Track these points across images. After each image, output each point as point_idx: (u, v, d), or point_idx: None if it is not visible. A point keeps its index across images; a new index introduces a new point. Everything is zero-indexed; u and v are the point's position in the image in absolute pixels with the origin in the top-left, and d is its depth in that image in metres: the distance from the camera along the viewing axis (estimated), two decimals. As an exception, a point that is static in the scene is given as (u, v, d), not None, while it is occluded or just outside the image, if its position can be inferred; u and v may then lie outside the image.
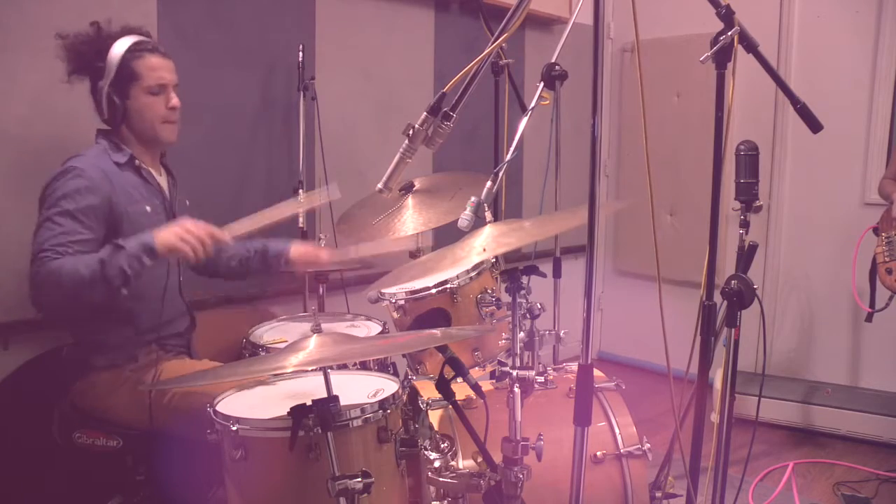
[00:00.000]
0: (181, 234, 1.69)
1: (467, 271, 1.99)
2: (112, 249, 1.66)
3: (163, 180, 2.02)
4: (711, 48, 1.55)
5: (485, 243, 1.43)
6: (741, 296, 1.71)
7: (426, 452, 1.58)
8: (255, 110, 2.79)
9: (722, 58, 1.55)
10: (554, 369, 2.01)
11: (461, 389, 1.51)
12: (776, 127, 3.68)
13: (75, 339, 1.93)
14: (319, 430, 1.33)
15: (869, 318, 2.95)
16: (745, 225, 1.94)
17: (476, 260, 1.67)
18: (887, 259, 2.79)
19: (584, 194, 1.16)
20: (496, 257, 2.07)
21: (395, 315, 2.09)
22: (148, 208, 1.90)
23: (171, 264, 1.98)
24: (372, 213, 2.30)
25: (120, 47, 1.83)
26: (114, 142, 1.90)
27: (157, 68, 1.87)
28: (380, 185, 1.46)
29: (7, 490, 2.00)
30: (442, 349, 1.44)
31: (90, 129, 1.94)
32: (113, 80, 1.83)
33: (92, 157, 1.83)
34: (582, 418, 1.19)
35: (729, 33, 1.53)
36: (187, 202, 2.15)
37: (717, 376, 2.89)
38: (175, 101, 1.91)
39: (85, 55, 1.84)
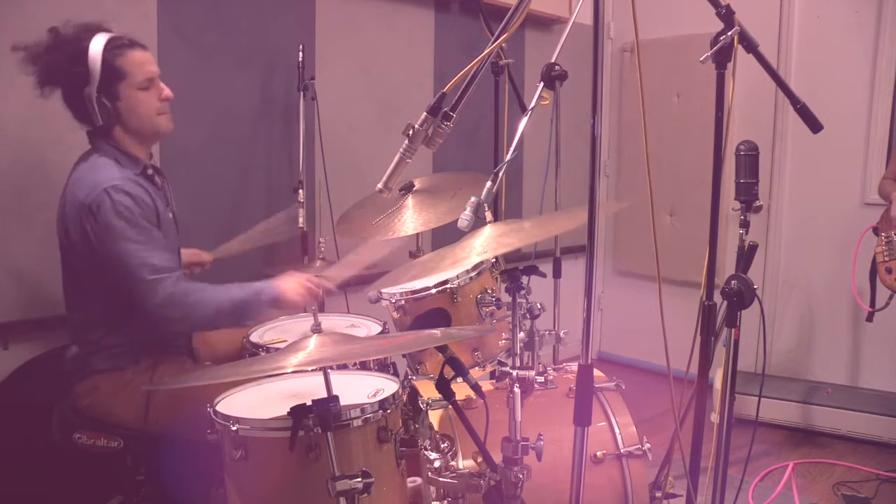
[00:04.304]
0: (304, 292, 1.84)
1: (467, 271, 1.98)
2: (252, 293, 1.79)
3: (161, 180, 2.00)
4: (711, 48, 1.55)
5: (485, 244, 1.43)
6: (741, 296, 1.71)
7: (426, 452, 1.58)
8: (255, 110, 2.79)
9: (722, 58, 1.55)
10: (554, 369, 2.01)
11: (461, 389, 1.51)
12: (776, 127, 3.67)
13: (76, 341, 1.92)
14: (319, 430, 1.33)
15: (869, 317, 2.95)
16: (745, 225, 1.93)
17: (476, 260, 1.68)
18: (887, 258, 2.79)
19: (584, 194, 1.16)
20: (496, 257, 2.07)
21: (395, 315, 2.09)
22: (170, 214, 1.92)
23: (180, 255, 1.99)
24: (372, 213, 2.30)
25: (96, 47, 1.74)
26: (120, 150, 1.84)
27: (143, 62, 1.82)
28: (380, 185, 1.46)
29: (7, 490, 2.00)
30: (442, 349, 1.44)
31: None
32: (100, 84, 1.75)
33: (117, 171, 1.77)
34: (582, 418, 1.19)
35: (729, 33, 1.53)
36: None
37: (717, 376, 2.89)
38: (167, 91, 1.87)
39: (55, 64, 1.75)
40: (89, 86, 1.75)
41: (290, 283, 1.84)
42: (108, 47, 1.76)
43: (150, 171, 1.89)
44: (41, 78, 1.78)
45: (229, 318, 1.80)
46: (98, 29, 1.81)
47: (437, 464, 1.55)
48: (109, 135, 1.84)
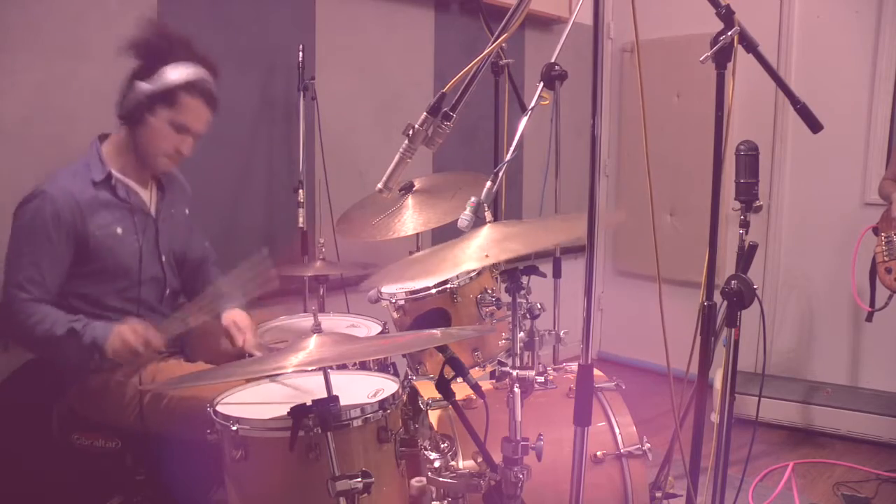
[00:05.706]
0: (126, 344, 1.74)
1: (467, 271, 1.98)
2: (70, 331, 1.73)
3: (147, 194, 1.97)
4: (711, 48, 1.55)
5: (485, 245, 1.42)
6: (741, 296, 1.71)
7: (426, 452, 1.58)
8: (255, 110, 2.79)
9: (722, 58, 1.55)
10: (554, 369, 2.00)
11: (461, 389, 1.50)
12: (776, 127, 3.67)
13: None
14: (319, 430, 1.33)
15: (869, 317, 2.95)
16: (745, 225, 1.93)
17: (476, 265, 1.67)
18: (886, 258, 2.79)
19: (584, 194, 1.16)
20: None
21: (395, 315, 2.09)
22: (119, 230, 1.86)
23: (165, 271, 1.98)
24: (372, 214, 2.30)
25: (181, 74, 1.81)
26: (100, 153, 1.86)
27: (195, 111, 1.86)
28: (380, 185, 1.46)
29: (7, 490, 2.00)
30: (442, 349, 1.44)
31: (90, 129, 1.93)
32: (151, 92, 1.79)
33: (65, 180, 1.79)
34: (582, 418, 1.18)
35: (729, 33, 1.53)
36: (187, 211, 2.14)
37: (717, 376, 2.89)
38: (187, 149, 1.91)
39: (154, 48, 1.81)
40: (146, 82, 1.79)
41: (118, 332, 1.74)
42: (191, 83, 1.82)
43: (113, 182, 1.86)
44: (135, 48, 1.82)
45: (51, 352, 1.81)
46: (205, 62, 1.87)
47: (437, 464, 1.55)
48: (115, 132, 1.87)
